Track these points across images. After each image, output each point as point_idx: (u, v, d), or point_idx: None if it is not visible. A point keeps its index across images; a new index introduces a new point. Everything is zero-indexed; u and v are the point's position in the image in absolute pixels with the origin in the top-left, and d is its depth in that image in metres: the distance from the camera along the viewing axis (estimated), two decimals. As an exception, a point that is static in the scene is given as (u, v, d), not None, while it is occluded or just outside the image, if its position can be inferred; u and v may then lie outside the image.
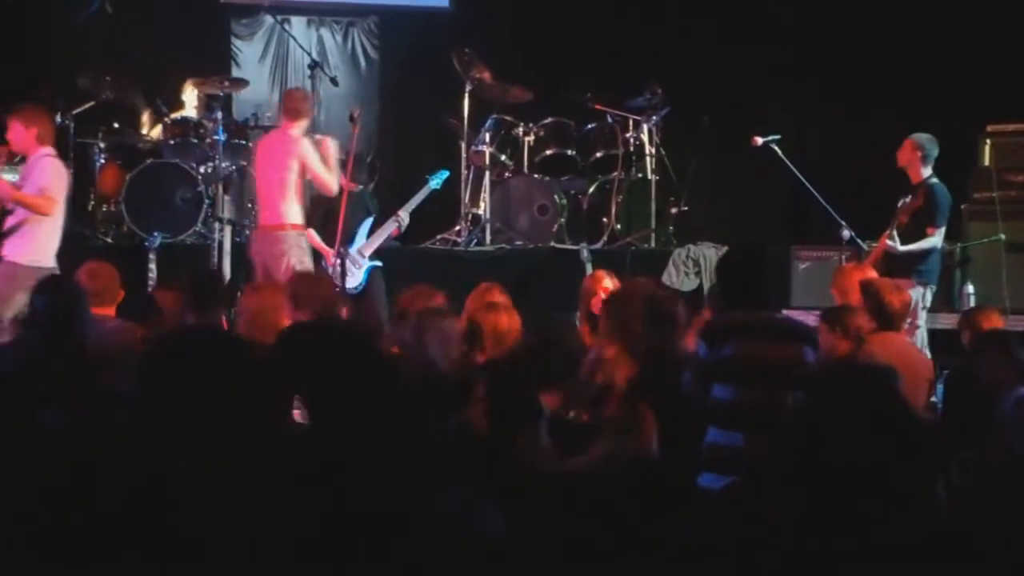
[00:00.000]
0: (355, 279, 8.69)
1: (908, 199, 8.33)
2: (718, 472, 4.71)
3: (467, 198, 10.66)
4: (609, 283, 7.11)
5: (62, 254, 8.05)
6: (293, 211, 8.36)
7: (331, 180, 8.42)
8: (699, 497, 4.69)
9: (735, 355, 4.89)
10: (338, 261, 8.43)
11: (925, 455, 3.64)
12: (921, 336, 8.02)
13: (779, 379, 4.85)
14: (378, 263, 9.00)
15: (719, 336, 4.97)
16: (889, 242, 8.16)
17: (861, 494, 3.35)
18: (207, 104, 10.64)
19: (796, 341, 5.02)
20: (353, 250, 8.79)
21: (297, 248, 8.30)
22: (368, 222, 8.97)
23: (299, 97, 8.71)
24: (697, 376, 4.99)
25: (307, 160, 8.35)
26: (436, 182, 9.37)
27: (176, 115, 10.43)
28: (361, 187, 9.16)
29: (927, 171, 8.37)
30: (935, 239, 8.26)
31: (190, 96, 10.69)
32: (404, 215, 9.15)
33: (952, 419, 5.69)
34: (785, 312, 8.42)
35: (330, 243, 8.57)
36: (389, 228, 9.07)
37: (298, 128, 8.50)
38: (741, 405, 4.85)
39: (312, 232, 8.73)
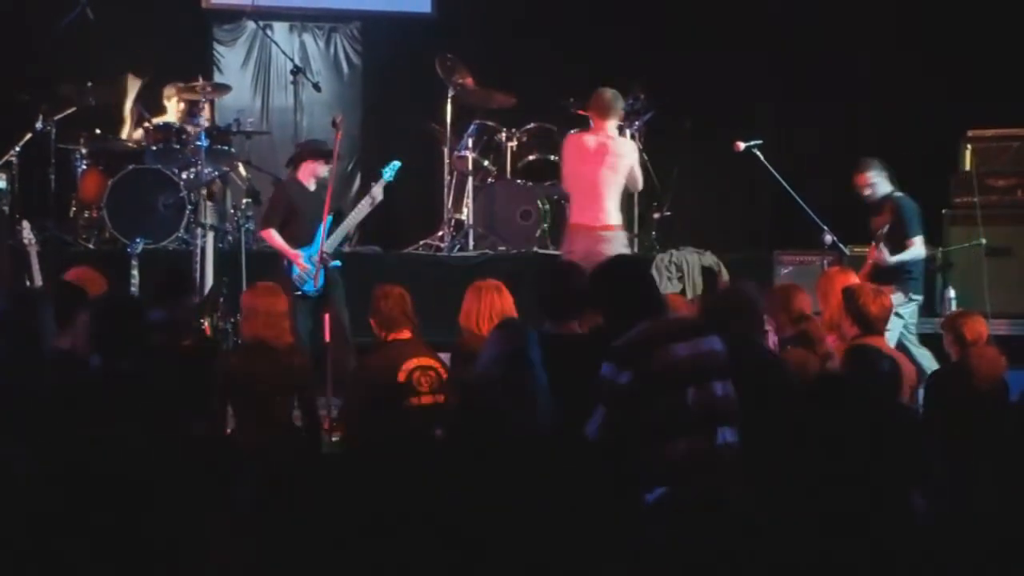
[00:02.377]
0: (315, 281, 8.49)
1: (878, 218, 8.50)
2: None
3: (450, 203, 10.65)
4: None
5: (43, 260, 8.04)
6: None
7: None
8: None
9: (657, 368, 4.67)
10: (310, 265, 8.35)
11: (905, 458, 3.66)
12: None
13: (707, 375, 4.74)
14: (337, 263, 8.76)
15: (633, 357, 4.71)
16: (878, 252, 8.31)
17: (841, 497, 3.37)
18: (189, 110, 10.61)
19: (702, 335, 4.86)
20: (314, 252, 8.52)
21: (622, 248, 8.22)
22: (328, 221, 8.74)
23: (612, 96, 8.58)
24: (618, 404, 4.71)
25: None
26: (389, 174, 9.06)
27: (158, 120, 10.39)
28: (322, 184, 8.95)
29: (887, 188, 8.58)
30: (917, 249, 8.45)
31: (171, 102, 10.65)
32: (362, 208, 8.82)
33: (934, 423, 5.72)
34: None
35: (292, 245, 8.46)
36: (360, 213, 8.82)
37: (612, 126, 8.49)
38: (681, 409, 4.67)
39: (273, 232, 8.53)
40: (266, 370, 6.05)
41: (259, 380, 6.04)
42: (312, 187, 8.63)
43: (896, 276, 8.31)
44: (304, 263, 8.36)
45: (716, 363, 4.73)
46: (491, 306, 6.37)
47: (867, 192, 8.60)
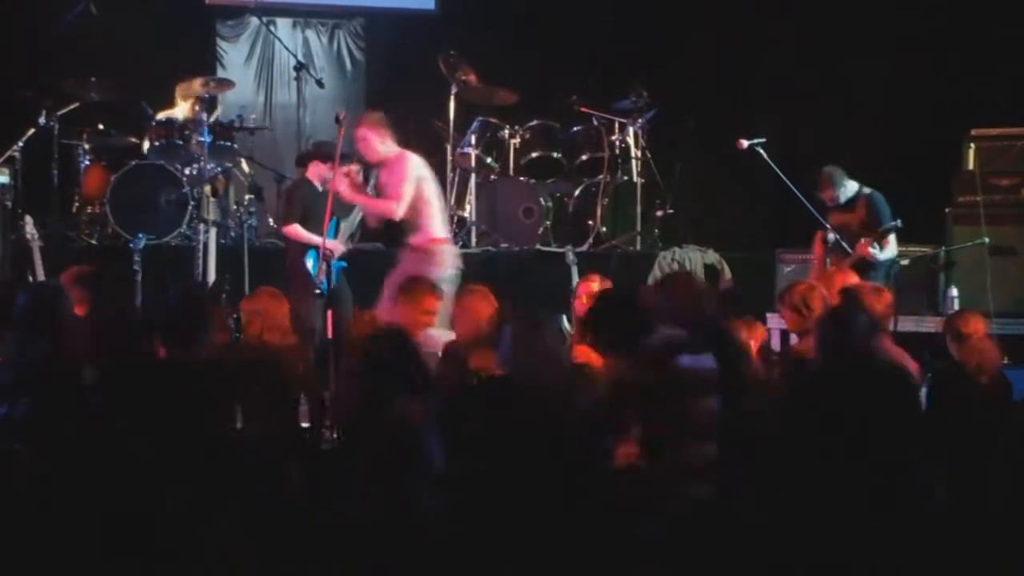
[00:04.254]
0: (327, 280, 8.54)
1: (849, 214, 8.74)
2: None
3: (453, 200, 10.64)
4: (596, 287, 7.14)
5: (46, 256, 8.06)
6: None
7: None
8: None
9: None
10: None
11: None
12: None
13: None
14: (343, 264, 8.82)
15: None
16: (871, 250, 8.42)
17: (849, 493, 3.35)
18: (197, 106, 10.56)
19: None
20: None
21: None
22: (334, 223, 8.81)
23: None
24: None
25: None
26: None
27: (161, 116, 10.37)
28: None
29: (853, 187, 8.81)
30: (893, 243, 8.65)
31: (189, 95, 10.53)
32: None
33: (936, 420, 5.72)
34: (768, 316, 8.52)
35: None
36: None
37: None
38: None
39: (297, 226, 8.69)
40: (267, 373, 6.06)
41: (260, 383, 6.05)
42: (320, 188, 8.69)
43: (867, 275, 8.40)
44: (309, 260, 8.44)
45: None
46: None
47: (834, 202, 8.81)
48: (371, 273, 8.97)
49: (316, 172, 8.75)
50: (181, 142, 10.19)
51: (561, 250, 9.77)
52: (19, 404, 4.88)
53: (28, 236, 8.55)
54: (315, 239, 8.49)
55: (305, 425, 6.45)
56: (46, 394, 4.77)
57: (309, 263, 8.58)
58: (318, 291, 8.31)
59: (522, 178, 10.83)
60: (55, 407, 4.65)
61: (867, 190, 8.78)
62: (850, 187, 8.81)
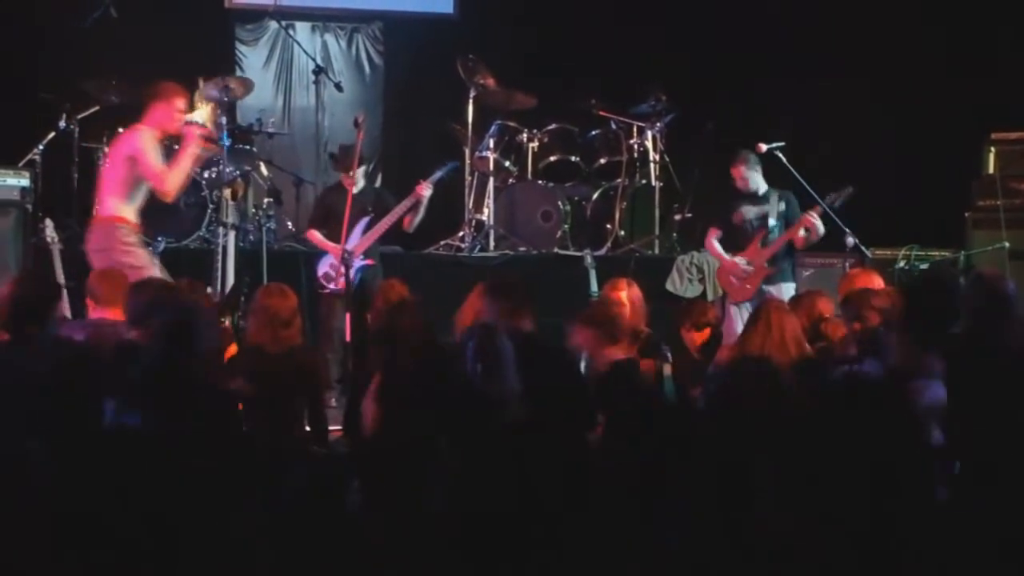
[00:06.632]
0: (338, 281, 8.59)
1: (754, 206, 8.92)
2: None
3: (471, 204, 10.66)
4: (624, 293, 7.14)
5: (65, 259, 8.09)
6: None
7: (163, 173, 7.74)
8: None
9: None
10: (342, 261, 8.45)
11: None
12: None
13: None
14: (370, 262, 8.88)
15: None
16: (816, 221, 8.60)
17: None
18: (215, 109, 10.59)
19: None
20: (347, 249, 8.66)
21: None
22: (364, 222, 8.88)
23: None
24: None
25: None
26: (440, 173, 9.24)
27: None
28: (363, 184, 9.11)
29: (763, 185, 8.95)
30: None
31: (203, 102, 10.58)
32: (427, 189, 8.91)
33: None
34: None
35: (334, 241, 8.71)
36: (399, 211, 8.89)
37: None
38: None
39: (314, 231, 8.84)
40: (264, 374, 5.99)
41: (257, 383, 5.97)
42: (355, 190, 8.77)
43: (792, 269, 8.87)
44: (320, 264, 8.54)
45: None
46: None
47: (740, 184, 8.89)
48: (390, 276, 9.01)
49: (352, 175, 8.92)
50: (200, 145, 10.21)
51: (579, 254, 9.76)
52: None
53: (48, 239, 8.60)
54: (327, 244, 8.65)
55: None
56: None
57: (319, 267, 8.73)
58: (325, 290, 8.47)
59: (540, 182, 10.83)
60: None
61: (780, 191, 8.90)
62: (761, 181, 8.88)
